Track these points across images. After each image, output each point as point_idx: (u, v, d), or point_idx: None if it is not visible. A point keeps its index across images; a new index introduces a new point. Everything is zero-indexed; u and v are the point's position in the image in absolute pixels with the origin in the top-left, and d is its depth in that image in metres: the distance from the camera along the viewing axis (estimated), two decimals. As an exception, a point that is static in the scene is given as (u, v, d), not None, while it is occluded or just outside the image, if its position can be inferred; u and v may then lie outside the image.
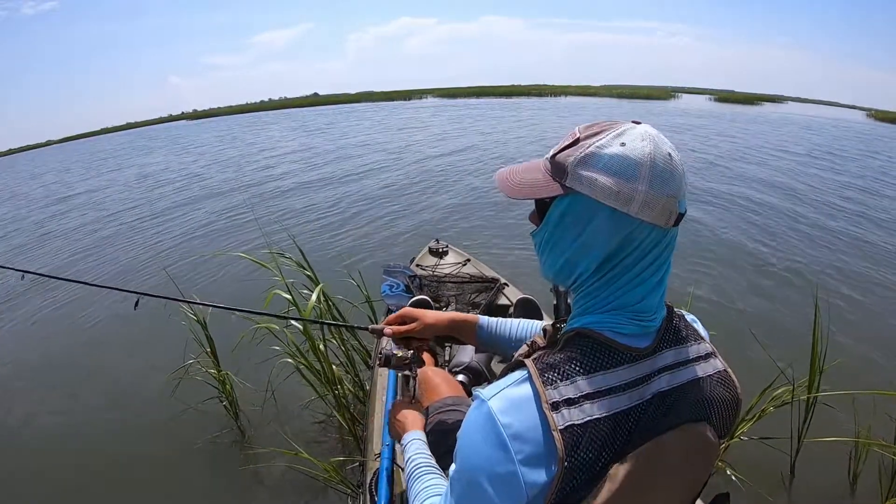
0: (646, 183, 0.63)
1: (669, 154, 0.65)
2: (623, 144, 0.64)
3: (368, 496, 1.37)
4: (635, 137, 0.64)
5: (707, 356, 0.76)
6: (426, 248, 2.81)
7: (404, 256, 3.18)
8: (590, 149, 0.65)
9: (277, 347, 2.38)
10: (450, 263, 2.64)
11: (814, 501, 1.95)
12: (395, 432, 1.11)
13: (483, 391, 0.67)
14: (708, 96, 49.25)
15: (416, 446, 1.00)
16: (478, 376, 1.70)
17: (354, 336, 2.52)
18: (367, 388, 2.14)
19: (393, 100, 43.67)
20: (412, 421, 1.08)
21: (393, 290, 2.31)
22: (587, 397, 0.63)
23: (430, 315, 1.15)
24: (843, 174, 8.56)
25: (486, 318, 1.14)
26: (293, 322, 2.25)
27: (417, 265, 2.65)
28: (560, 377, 0.64)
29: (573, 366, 0.65)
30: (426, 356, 1.82)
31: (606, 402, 0.64)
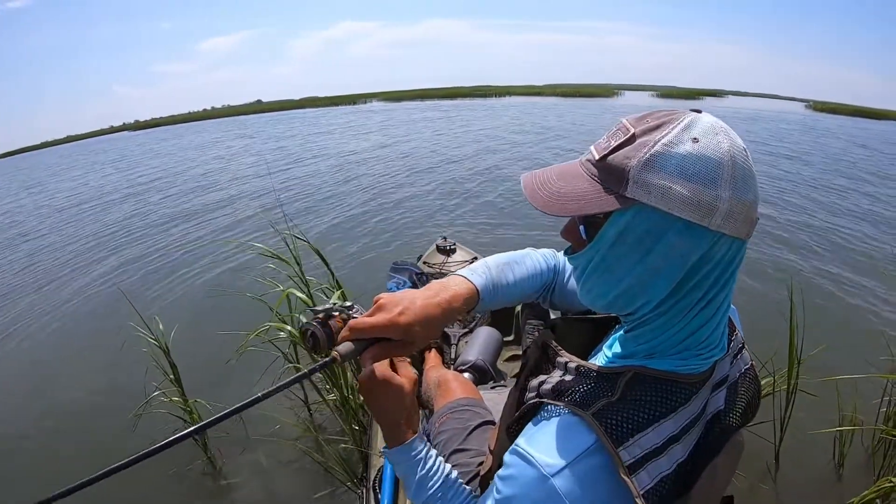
0: (728, 188, 0.52)
1: (745, 149, 0.54)
2: (696, 140, 0.53)
3: (372, 494, 1.34)
4: (707, 130, 0.53)
5: (741, 349, 0.70)
6: (433, 246, 2.77)
7: (411, 254, 3.10)
8: (656, 147, 0.53)
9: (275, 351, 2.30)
10: (457, 261, 2.60)
11: (799, 486, 1.98)
12: (390, 430, 0.78)
13: (537, 454, 0.55)
14: (650, 92, 51.11)
15: (424, 454, 0.77)
16: (483, 375, 1.67)
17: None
18: None
19: (338, 105, 43.10)
20: (409, 419, 0.78)
21: (399, 287, 2.23)
22: (663, 448, 0.56)
23: (419, 325, 0.67)
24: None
25: (485, 285, 0.79)
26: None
27: (425, 262, 2.62)
28: (632, 432, 0.55)
29: (643, 417, 0.56)
30: (432, 354, 1.81)
31: (683, 445, 0.59)
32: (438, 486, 0.75)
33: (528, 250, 0.91)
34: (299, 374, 0.65)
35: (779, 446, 2.02)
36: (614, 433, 0.54)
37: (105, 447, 2.39)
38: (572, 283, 0.88)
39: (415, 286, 2.20)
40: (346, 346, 0.65)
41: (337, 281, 2.25)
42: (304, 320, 0.68)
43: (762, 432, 2.01)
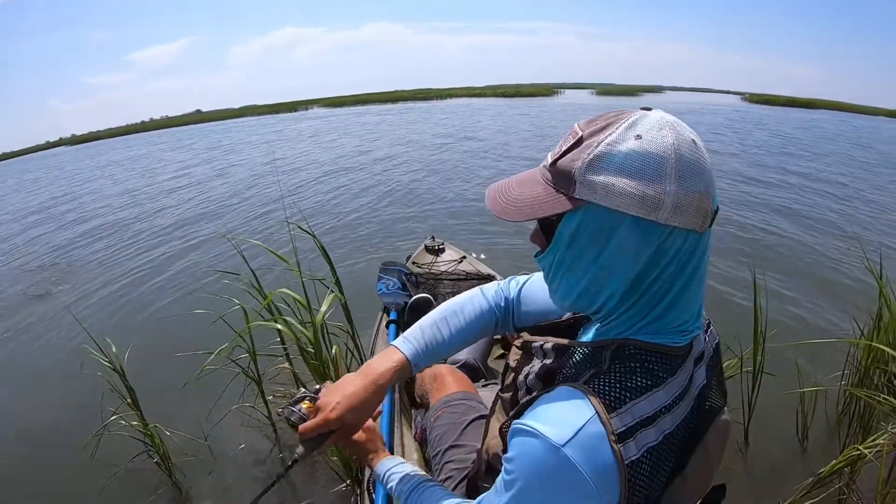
0: (674, 181, 0.53)
1: (694, 141, 0.55)
2: (639, 137, 0.54)
3: (367, 495, 1.35)
4: (651, 126, 0.55)
5: (709, 325, 0.72)
6: (422, 246, 2.77)
7: (399, 254, 3.06)
8: (599, 148, 0.55)
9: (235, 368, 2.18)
10: (446, 261, 2.61)
11: (770, 462, 2.04)
12: (362, 451, 0.96)
13: (543, 428, 0.55)
14: (590, 91, 52.30)
15: (402, 468, 0.90)
16: (475, 373, 1.67)
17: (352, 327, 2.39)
18: None
19: (278, 112, 41.49)
20: (378, 448, 0.97)
21: (389, 288, 2.21)
22: (654, 418, 0.57)
23: (350, 413, 0.80)
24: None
25: (415, 352, 0.85)
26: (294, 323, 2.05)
27: (414, 262, 2.60)
28: (625, 399, 0.56)
29: (636, 384, 0.57)
30: None
31: (672, 417, 0.59)
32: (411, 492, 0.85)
33: (474, 292, 0.94)
34: (279, 475, 0.90)
35: (747, 425, 2.08)
36: (607, 399, 0.55)
37: (64, 476, 2.25)
38: (527, 303, 0.92)
39: (404, 286, 2.21)
40: (300, 449, 0.82)
41: (337, 279, 2.20)
42: (280, 409, 0.85)
43: (730, 414, 2.05)
